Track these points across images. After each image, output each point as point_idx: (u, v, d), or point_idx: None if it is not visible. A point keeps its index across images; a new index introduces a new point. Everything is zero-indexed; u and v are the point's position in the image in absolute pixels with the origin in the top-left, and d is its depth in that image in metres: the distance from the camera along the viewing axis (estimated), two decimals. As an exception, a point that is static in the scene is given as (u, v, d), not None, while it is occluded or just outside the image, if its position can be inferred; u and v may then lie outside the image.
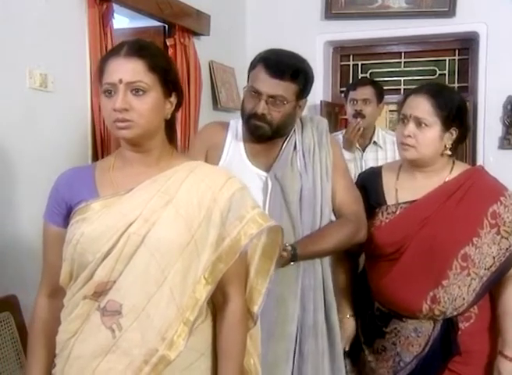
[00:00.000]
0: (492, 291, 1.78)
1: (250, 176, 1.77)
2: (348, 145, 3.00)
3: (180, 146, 3.17)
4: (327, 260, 1.83)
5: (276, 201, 1.75)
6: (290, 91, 1.71)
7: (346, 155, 2.96)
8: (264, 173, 1.79)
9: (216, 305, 1.36)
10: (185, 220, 1.27)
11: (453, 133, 1.75)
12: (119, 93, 1.25)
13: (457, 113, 1.74)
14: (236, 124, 1.87)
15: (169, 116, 1.35)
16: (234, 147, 1.83)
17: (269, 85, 1.69)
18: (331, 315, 1.82)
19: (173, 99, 1.35)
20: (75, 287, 1.28)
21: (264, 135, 1.75)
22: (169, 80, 1.33)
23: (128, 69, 1.26)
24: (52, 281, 1.36)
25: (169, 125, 1.39)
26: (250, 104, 1.74)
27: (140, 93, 1.26)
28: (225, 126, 1.89)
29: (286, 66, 1.69)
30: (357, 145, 3.16)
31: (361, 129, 3.02)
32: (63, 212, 1.35)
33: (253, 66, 1.76)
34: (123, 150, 1.36)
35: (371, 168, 2.08)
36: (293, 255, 1.68)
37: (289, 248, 1.67)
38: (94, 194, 1.32)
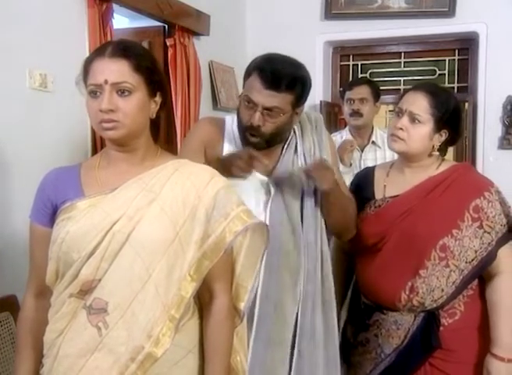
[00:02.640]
0: (482, 289, 1.79)
1: (252, 181, 1.73)
2: (341, 160, 3.00)
3: (180, 145, 3.17)
4: (328, 259, 1.82)
5: (278, 206, 1.73)
6: (286, 102, 1.66)
7: (341, 167, 2.97)
8: (264, 178, 1.76)
9: (202, 302, 1.37)
10: (169, 218, 1.27)
11: (443, 135, 1.78)
12: (105, 94, 1.25)
13: (451, 116, 1.77)
14: (232, 125, 1.81)
15: (154, 116, 1.35)
16: (233, 150, 1.78)
17: (265, 97, 1.64)
18: (330, 315, 1.81)
19: (158, 99, 1.35)
20: (61, 286, 1.29)
21: (260, 148, 1.72)
22: (154, 80, 1.33)
23: (113, 70, 1.26)
24: (39, 281, 1.36)
25: (154, 124, 1.39)
26: (245, 115, 1.69)
27: (126, 93, 1.26)
28: (221, 126, 1.82)
29: (281, 77, 1.63)
30: (356, 146, 3.17)
31: (354, 147, 3.03)
32: (49, 211, 1.35)
33: (248, 73, 1.70)
34: (108, 149, 1.36)
35: (367, 167, 2.13)
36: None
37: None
38: (80, 193, 1.33)
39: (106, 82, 1.25)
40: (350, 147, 3.01)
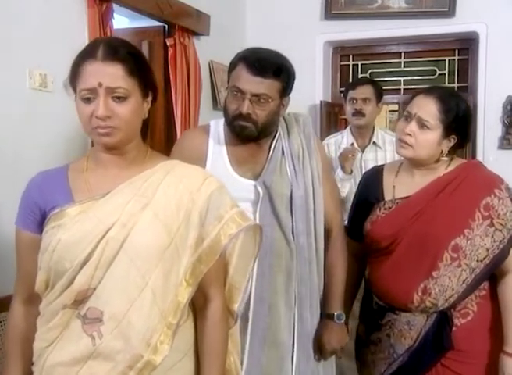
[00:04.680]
0: (495, 289, 1.79)
1: (237, 186, 1.65)
2: (342, 168, 2.99)
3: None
4: (321, 266, 1.83)
5: (267, 210, 1.72)
6: (274, 89, 1.66)
7: (341, 174, 2.96)
8: (251, 182, 1.74)
9: (196, 305, 1.34)
10: (164, 223, 1.24)
11: (452, 140, 1.77)
12: (100, 99, 1.21)
13: (461, 122, 1.75)
14: (218, 128, 1.80)
15: (147, 115, 1.32)
16: (217, 156, 1.76)
17: (252, 83, 1.64)
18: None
19: (149, 98, 1.32)
20: (52, 295, 1.25)
21: (250, 135, 1.69)
22: (147, 82, 1.30)
23: (107, 74, 1.21)
24: (28, 288, 1.32)
25: (144, 123, 1.34)
26: (233, 105, 1.68)
27: (122, 99, 1.23)
28: (205, 131, 1.81)
29: (267, 64, 1.65)
30: (357, 146, 3.17)
31: (355, 156, 3.02)
32: (37, 218, 1.31)
33: (233, 66, 1.71)
34: (97, 151, 1.32)
35: (375, 166, 2.09)
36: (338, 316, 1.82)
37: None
38: (69, 198, 1.28)
39: (100, 85, 1.21)
40: (352, 156, 3.00)
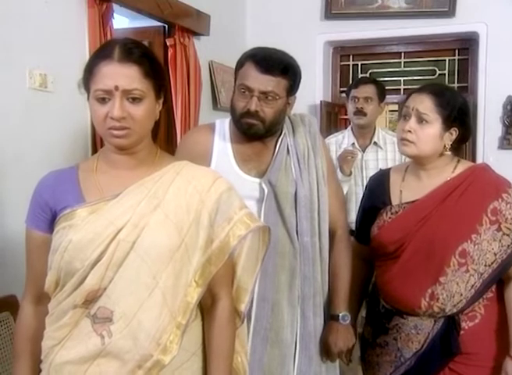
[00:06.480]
0: (502, 292, 1.77)
1: (242, 184, 1.63)
2: (340, 169, 2.99)
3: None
4: (326, 266, 1.83)
5: (271, 208, 1.72)
6: (281, 87, 1.68)
7: (339, 175, 2.94)
8: (256, 180, 1.74)
9: (204, 305, 1.35)
10: (174, 224, 1.25)
11: (453, 133, 1.75)
12: (116, 101, 1.21)
13: (459, 114, 1.74)
14: (223, 126, 1.81)
15: (158, 117, 1.33)
16: (222, 154, 1.76)
17: (260, 81, 1.65)
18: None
19: (161, 99, 1.33)
20: (61, 295, 1.26)
21: (258, 133, 1.70)
22: (161, 83, 1.31)
23: (123, 76, 1.22)
24: (37, 288, 1.33)
25: (155, 123, 1.35)
26: (241, 102, 1.69)
27: (137, 101, 1.24)
28: (210, 128, 1.82)
29: (275, 62, 1.66)
30: (358, 146, 3.17)
31: (354, 158, 3.02)
32: (48, 217, 1.31)
33: (240, 64, 1.71)
34: (107, 152, 1.33)
35: (381, 170, 2.07)
36: (343, 317, 1.82)
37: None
38: (80, 198, 1.29)
39: (117, 88, 1.21)
40: (351, 158, 2.99)
